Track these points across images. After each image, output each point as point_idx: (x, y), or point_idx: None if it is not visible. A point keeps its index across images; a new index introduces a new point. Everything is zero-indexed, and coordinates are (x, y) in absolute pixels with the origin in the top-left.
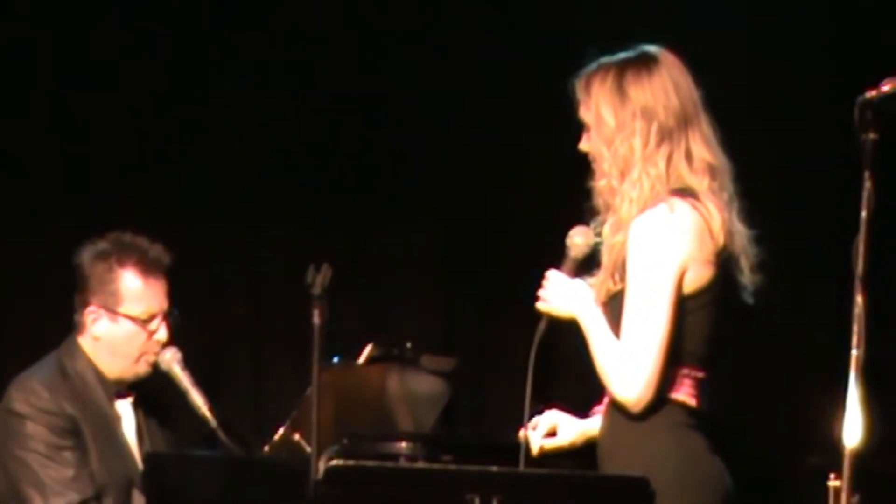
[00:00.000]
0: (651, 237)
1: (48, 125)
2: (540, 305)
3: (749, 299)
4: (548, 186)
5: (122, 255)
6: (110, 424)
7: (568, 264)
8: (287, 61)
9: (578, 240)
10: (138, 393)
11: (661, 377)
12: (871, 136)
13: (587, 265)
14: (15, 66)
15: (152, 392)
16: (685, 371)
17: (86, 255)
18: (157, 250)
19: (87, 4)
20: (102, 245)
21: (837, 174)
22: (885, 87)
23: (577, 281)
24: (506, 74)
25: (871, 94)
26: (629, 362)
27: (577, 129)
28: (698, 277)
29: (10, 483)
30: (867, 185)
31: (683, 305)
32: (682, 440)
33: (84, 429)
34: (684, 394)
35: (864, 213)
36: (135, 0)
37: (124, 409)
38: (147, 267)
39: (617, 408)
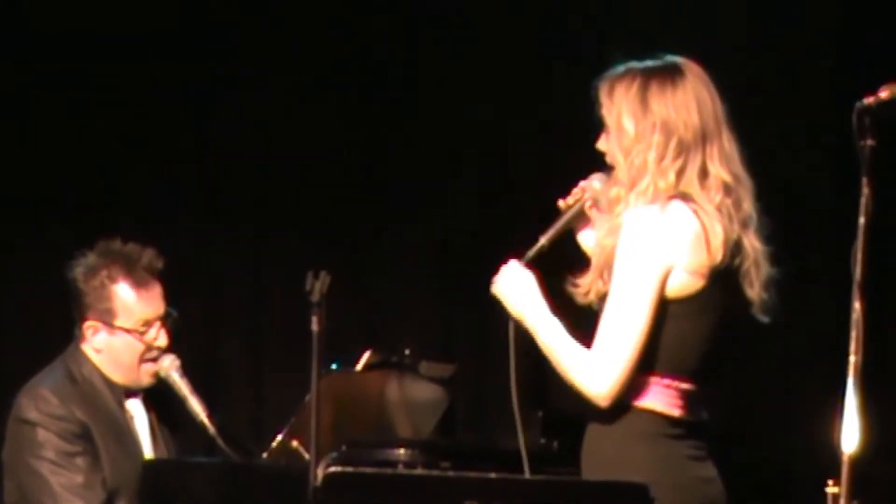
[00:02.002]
0: (639, 232)
1: (47, 127)
2: (493, 289)
3: (763, 317)
4: (547, 192)
5: (113, 268)
6: (121, 427)
7: (568, 216)
8: (289, 65)
9: (597, 185)
10: (147, 391)
11: (633, 370)
12: (870, 142)
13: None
14: (11, 70)
15: (161, 390)
16: (665, 381)
17: (77, 271)
18: (148, 256)
19: (85, 7)
20: (92, 258)
21: (836, 180)
22: (883, 94)
23: (527, 275)
24: (505, 79)
25: (870, 100)
26: (602, 355)
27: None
28: (686, 284)
29: (21, 492)
30: (865, 191)
31: (665, 308)
32: (655, 450)
33: (94, 433)
34: (662, 403)
35: (862, 220)
36: (134, 2)
37: (136, 407)
38: (138, 277)
39: (593, 416)
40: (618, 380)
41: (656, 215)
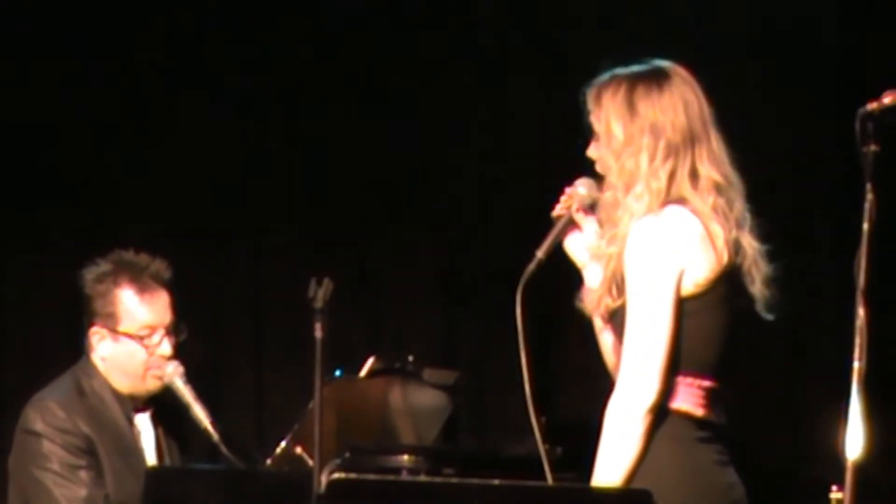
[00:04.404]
0: (647, 242)
1: (47, 138)
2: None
3: (766, 314)
4: (549, 200)
5: (119, 274)
6: (128, 443)
7: (562, 223)
8: (289, 73)
9: (582, 190)
10: (156, 407)
11: (668, 377)
12: (873, 148)
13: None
14: (13, 78)
15: (171, 406)
16: (688, 380)
17: (87, 278)
18: (156, 266)
19: (86, 13)
20: (102, 266)
21: (839, 186)
22: (886, 100)
23: None
24: (507, 88)
25: (873, 106)
26: (636, 371)
27: (575, 142)
28: (698, 283)
29: (24, 501)
30: (869, 197)
31: (684, 306)
32: (687, 454)
33: (99, 448)
34: (688, 403)
35: (865, 226)
36: (136, 9)
37: (143, 423)
38: (144, 283)
39: None
40: (658, 389)
41: (659, 222)
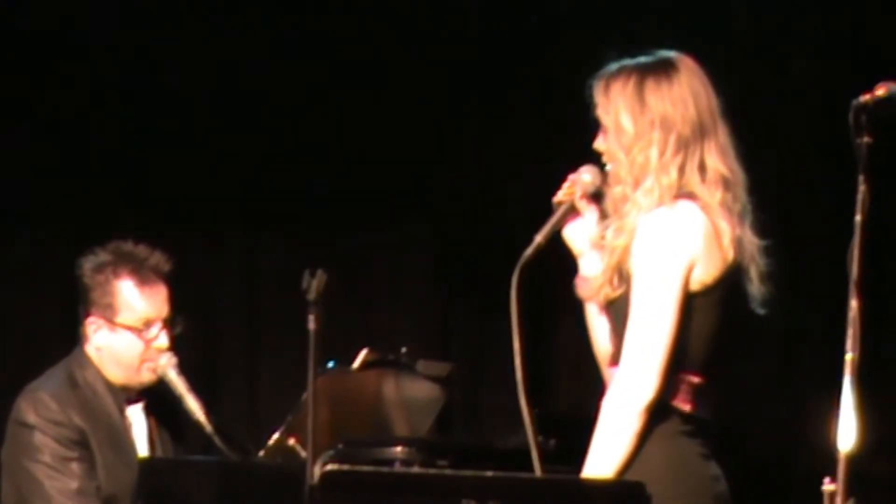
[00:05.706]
0: (658, 235)
1: (44, 131)
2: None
3: (760, 310)
4: (543, 191)
5: (119, 265)
6: (120, 434)
7: (563, 209)
8: (283, 67)
9: (587, 177)
10: (149, 399)
11: (668, 372)
12: (866, 139)
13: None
14: (12, 72)
15: (163, 397)
16: (679, 376)
17: (85, 267)
18: (156, 258)
19: (84, 10)
20: (101, 255)
21: (832, 178)
22: (880, 91)
23: None
24: (504, 83)
25: (866, 97)
26: (639, 365)
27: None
28: (701, 280)
29: (18, 494)
30: (862, 188)
31: (691, 303)
32: (672, 447)
33: (92, 440)
34: (677, 399)
35: (858, 217)
36: (136, 6)
37: (135, 415)
38: (143, 275)
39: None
40: (658, 386)
41: (672, 215)
